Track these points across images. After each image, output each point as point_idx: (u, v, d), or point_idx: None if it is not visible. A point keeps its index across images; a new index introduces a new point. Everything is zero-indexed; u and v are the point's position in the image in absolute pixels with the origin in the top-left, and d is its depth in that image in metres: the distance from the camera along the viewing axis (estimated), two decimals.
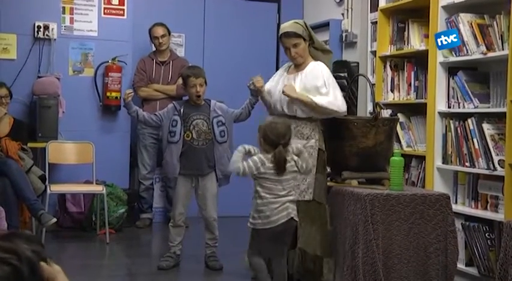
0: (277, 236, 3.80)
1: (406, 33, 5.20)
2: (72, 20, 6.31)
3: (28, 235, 1.04)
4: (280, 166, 3.70)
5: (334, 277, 4.04)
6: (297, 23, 4.20)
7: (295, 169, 3.79)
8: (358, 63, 6.09)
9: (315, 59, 4.23)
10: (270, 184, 3.73)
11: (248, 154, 3.79)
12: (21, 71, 6.08)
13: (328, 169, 4.36)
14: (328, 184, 4.22)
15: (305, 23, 4.22)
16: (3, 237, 1.00)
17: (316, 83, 4.09)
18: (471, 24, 4.39)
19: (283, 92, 4.10)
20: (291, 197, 3.79)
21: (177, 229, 4.77)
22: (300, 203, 4.00)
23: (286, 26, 4.20)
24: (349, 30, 6.23)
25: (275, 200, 3.73)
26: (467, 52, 4.43)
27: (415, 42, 5.09)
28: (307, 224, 4.07)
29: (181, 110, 4.71)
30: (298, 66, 4.23)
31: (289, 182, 3.78)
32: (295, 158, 3.79)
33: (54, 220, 5.24)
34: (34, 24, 6.14)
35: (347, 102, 4.31)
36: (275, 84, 4.29)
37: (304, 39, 4.16)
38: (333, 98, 4.07)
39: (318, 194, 4.10)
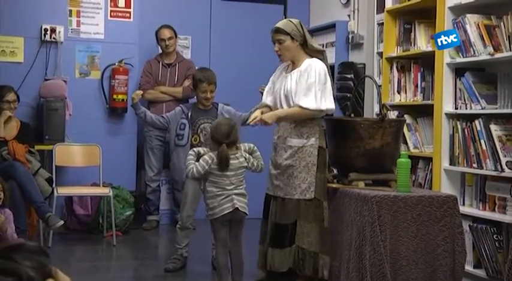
0: (226, 225, 4.05)
1: (412, 34, 5.19)
2: (78, 23, 6.33)
3: (30, 247, 0.98)
4: (221, 163, 3.94)
5: (330, 274, 4.03)
6: (290, 21, 4.18)
7: (245, 164, 4.03)
8: (364, 64, 6.08)
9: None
10: (216, 178, 3.99)
11: (198, 155, 4.03)
12: (28, 74, 6.10)
13: (335, 171, 4.35)
14: (334, 185, 4.21)
15: (300, 24, 4.19)
16: (3, 253, 0.95)
17: (308, 81, 4.04)
18: (478, 25, 4.38)
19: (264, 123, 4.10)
20: (238, 191, 4.02)
21: (185, 231, 4.76)
22: (301, 202, 4.05)
23: (279, 22, 4.20)
24: (356, 32, 6.22)
25: (221, 192, 3.99)
26: (474, 53, 4.42)
27: (422, 43, 5.08)
28: (306, 222, 4.06)
29: (189, 114, 4.72)
30: (294, 65, 4.20)
31: (239, 177, 4.02)
32: (247, 155, 4.04)
33: (62, 222, 5.25)
34: (41, 27, 6.15)
35: (353, 104, 4.29)
36: (274, 85, 4.29)
37: (292, 38, 4.13)
38: (318, 99, 4.00)
39: (319, 192, 4.10)
